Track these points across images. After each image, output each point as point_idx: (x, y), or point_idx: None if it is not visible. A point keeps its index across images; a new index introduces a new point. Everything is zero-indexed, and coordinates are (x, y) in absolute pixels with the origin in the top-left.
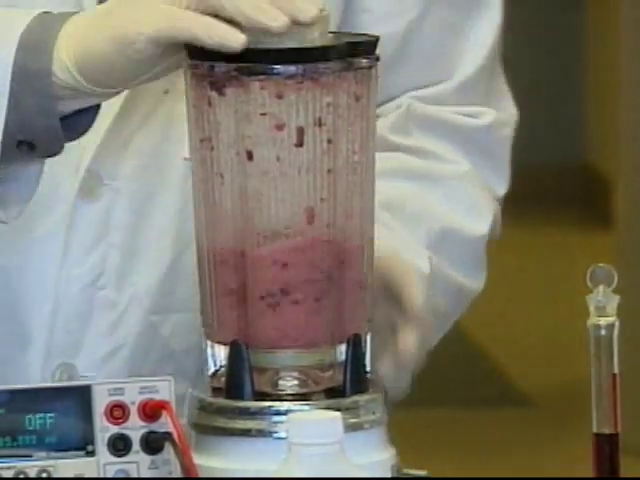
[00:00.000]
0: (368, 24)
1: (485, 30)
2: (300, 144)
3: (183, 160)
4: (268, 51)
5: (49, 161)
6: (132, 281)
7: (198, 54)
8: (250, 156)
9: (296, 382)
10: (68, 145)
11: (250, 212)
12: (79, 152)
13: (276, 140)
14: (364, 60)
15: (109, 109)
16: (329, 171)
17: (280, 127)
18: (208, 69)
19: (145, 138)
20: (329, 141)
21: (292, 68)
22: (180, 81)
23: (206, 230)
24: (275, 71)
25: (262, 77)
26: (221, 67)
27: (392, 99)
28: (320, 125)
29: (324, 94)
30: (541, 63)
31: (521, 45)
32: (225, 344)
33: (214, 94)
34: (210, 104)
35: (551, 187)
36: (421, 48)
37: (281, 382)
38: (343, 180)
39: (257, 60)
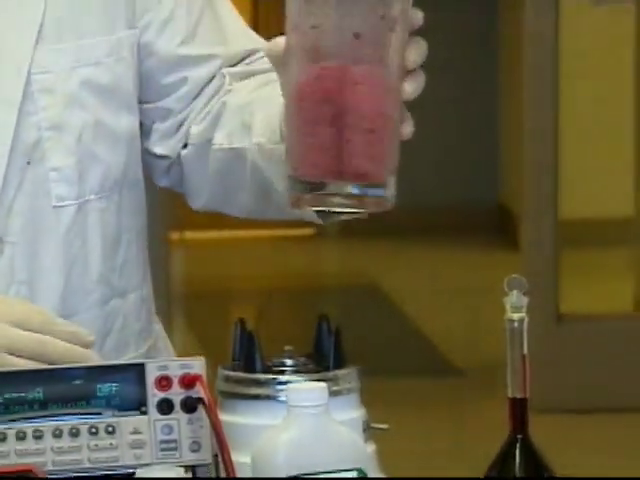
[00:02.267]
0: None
1: None
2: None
3: (53, 208)
4: None
5: None
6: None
7: None
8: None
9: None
10: None
11: None
12: None
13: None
14: None
15: None
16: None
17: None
18: None
19: (21, 201)
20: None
21: None
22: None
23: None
24: None
25: None
26: None
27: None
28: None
29: None
30: (459, 118)
31: (441, 90)
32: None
33: None
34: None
35: (476, 221)
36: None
37: None
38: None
39: None
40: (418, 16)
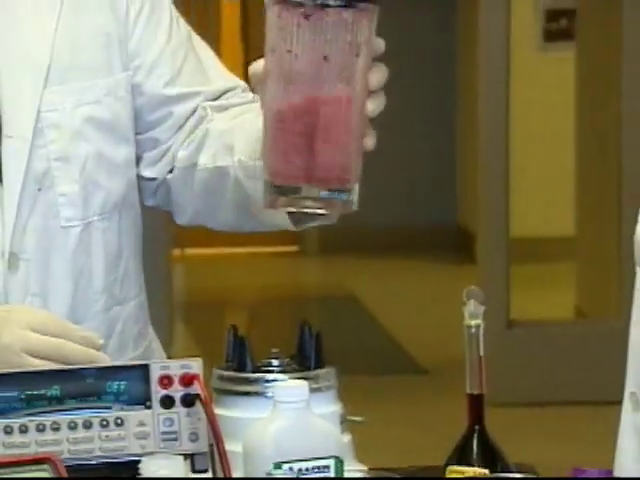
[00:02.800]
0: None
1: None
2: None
3: (61, 228)
4: None
5: None
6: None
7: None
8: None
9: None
10: None
11: None
12: (0, 244)
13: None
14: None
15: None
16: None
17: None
18: (297, 5)
19: (34, 223)
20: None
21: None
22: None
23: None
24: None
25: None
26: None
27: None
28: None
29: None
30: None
31: (402, 119)
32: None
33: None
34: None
35: (438, 239)
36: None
37: None
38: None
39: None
40: (380, 44)
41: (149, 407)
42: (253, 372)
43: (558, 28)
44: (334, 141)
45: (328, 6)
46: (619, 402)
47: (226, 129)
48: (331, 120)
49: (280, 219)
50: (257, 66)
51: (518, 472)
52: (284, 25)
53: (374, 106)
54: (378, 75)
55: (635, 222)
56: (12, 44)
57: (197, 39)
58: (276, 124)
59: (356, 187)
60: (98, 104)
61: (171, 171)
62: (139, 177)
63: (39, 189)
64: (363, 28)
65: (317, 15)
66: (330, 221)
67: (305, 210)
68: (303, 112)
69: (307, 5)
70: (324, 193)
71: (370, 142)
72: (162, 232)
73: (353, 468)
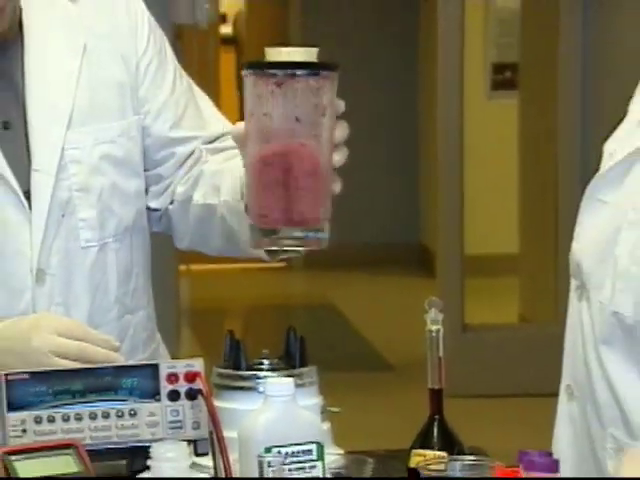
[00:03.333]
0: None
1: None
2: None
3: (81, 249)
4: (309, 64)
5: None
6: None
7: (259, 67)
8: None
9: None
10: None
11: None
12: (29, 261)
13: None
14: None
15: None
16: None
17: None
18: (270, 75)
19: (58, 244)
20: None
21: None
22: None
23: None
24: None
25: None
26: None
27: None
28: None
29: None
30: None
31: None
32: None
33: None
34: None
35: (404, 256)
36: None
37: None
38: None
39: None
40: (341, 104)
41: (158, 400)
42: (247, 370)
43: (503, 79)
44: (307, 189)
45: (297, 75)
46: (556, 394)
47: (216, 171)
48: (303, 171)
49: (258, 252)
50: (238, 129)
51: (471, 454)
52: (260, 92)
53: (339, 157)
54: (341, 131)
55: (570, 241)
56: (40, 92)
57: (196, 89)
58: (257, 176)
59: (327, 225)
60: (113, 143)
61: (171, 203)
62: (148, 208)
63: (62, 215)
64: (327, 92)
65: (288, 83)
66: (299, 254)
67: (285, 248)
68: (279, 165)
69: (279, 75)
70: (300, 233)
71: (337, 187)
72: (170, 251)
73: (332, 452)
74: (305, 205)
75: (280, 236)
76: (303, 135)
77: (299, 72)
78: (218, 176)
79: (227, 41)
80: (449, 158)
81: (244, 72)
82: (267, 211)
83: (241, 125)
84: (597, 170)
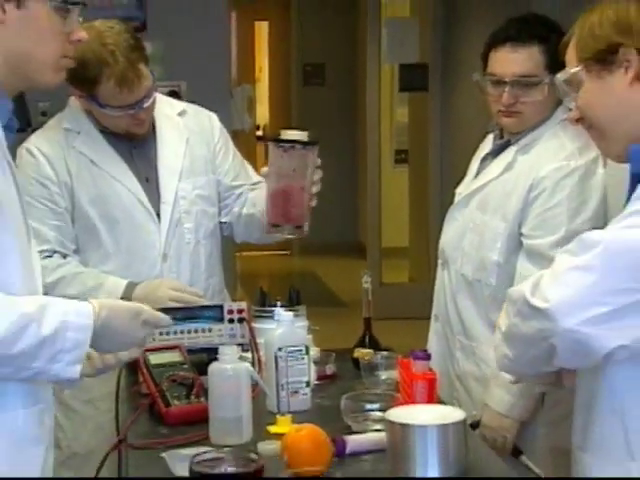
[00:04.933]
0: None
1: None
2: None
3: (185, 244)
4: (301, 141)
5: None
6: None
7: (275, 141)
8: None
9: None
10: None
11: None
12: (159, 250)
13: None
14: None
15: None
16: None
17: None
18: (288, 148)
19: (173, 242)
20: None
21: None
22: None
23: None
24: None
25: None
26: (283, 145)
27: None
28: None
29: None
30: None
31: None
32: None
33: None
34: (282, 157)
35: (347, 248)
36: None
37: None
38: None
39: (297, 143)
40: (319, 161)
41: (222, 322)
42: (268, 307)
43: (401, 158)
44: (296, 206)
45: (294, 147)
46: (430, 317)
47: (252, 197)
48: (296, 197)
49: (270, 238)
50: (264, 171)
51: (385, 350)
52: (275, 154)
53: (315, 188)
54: (317, 176)
55: (439, 238)
56: (165, 162)
57: (242, 158)
58: (271, 199)
59: (307, 224)
60: (202, 188)
61: (232, 217)
62: (220, 222)
63: (176, 226)
64: (311, 156)
65: (289, 151)
66: (292, 238)
67: (283, 235)
68: (283, 194)
69: (285, 146)
70: (291, 228)
71: (313, 203)
72: (231, 245)
73: (313, 349)
74: (295, 214)
75: (283, 229)
76: (296, 179)
77: (296, 146)
78: (253, 201)
79: (259, 138)
80: (373, 186)
81: (269, 143)
82: (275, 217)
83: (265, 169)
84: (452, 202)
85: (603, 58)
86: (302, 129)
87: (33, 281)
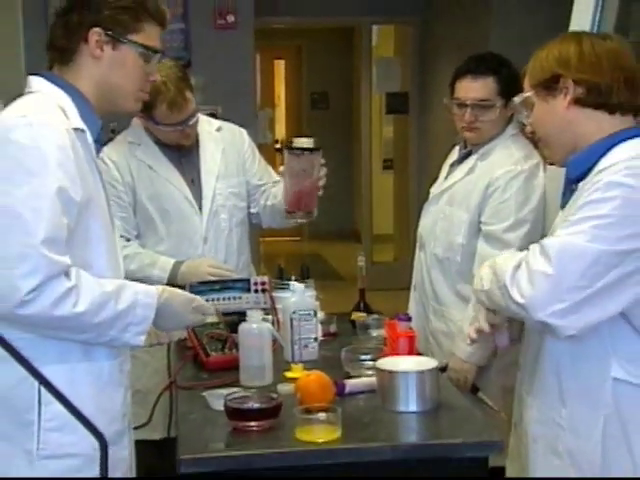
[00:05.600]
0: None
1: None
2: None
3: (221, 230)
4: (309, 148)
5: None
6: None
7: (289, 148)
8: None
9: None
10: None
11: None
12: (200, 235)
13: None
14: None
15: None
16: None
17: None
18: (299, 153)
19: (211, 228)
20: (314, 168)
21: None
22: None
23: (290, 184)
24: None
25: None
26: (295, 151)
27: None
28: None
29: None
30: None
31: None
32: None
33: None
34: (294, 160)
35: (345, 235)
36: None
37: None
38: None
39: (305, 149)
40: (323, 161)
41: (249, 292)
42: (285, 280)
43: (387, 165)
44: (308, 197)
45: (303, 153)
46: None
47: (274, 191)
48: (306, 190)
49: (289, 222)
50: (281, 170)
51: (376, 313)
52: (289, 158)
53: (321, 182)
54: (322, 172)
55: (417, 226)
56: (206, 167)
57: (265, 162)
58: (287, 192)
59: (315, 209)
60: (234, 187)
61: (259, 208)
62: (249, 212)
63: (214, 216)
64: (317, 158)
65: (300, 155)
66: (304, 222)
67: (298, 219)
68: (297, 187)
69: (296, 152)
70: (303, 214)
71: (320, 193)
72: (256, 231)
73: (320, 313)
74: (306, 203)
75: (296, 215)
76: (306, 177)
77: (305, 152)
78: (275, 193)
79: (277, 150)
80: (365, 194)
81: (284, 149)
82: (291, 205)
83: (282, 168)
84: (427, 199)
85: (548, 85)
86: (309, 136)
87: (117, 263)
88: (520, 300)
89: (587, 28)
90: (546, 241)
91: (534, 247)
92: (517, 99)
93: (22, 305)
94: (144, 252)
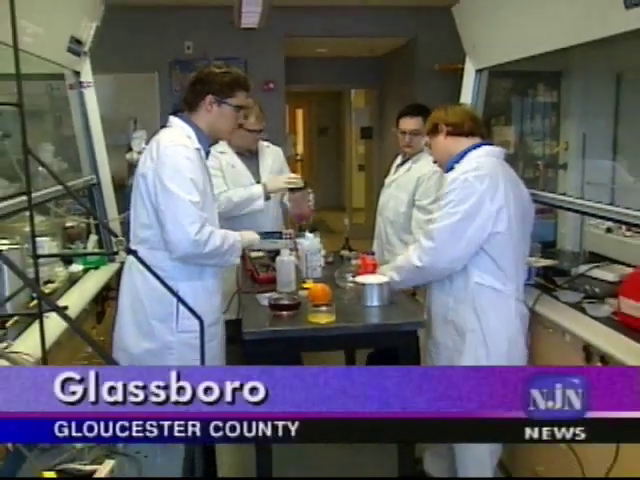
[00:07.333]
0: None
1: None
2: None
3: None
4: (300, 187)
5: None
6: None
7: (292, 189)
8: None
9: None
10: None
11: None
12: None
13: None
14: None
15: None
16: None
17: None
18: (296, 189)
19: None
20: (304, 198)
21: None
22: None
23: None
24: None
25: None
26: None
27: None
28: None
29: None
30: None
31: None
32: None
33: None
34: (293, 194)
35: (338, 209)
36: None
37: None
38: None
39: (297, 189)
40: (310, 190)
41: (282, 238)
42: (302, 232)
43: (361, 168)
44: (304, 212)
45: (298, 189)
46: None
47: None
48: (302, 210)
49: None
50: (285, 199)
51: (355, 251)
52: (289, 193)
53: (311, 204)
54: (312, 200)
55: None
56: (263, 168)
57: (288, 168)
58: (292, 213)
59: (311, 218)
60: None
61: (285, 199)
62: (281, 200)
63: (266, 200)
64: (307, 191)
65: (295, 191)
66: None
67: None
68: (296, 210)
69: (294, 189)
70: (304, 222)
71: (312, 207)
72: (285, 207)
73: (322, 251)
74: (303, 216)
75: (300, 222)
76: (301, 202)
77: (297, 189)
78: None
79: (297, 160)
80: (348, 184)
81: (287, 188)
82: (296, 219)
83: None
84: (383, 186)
85: (434, 130)
86: (304, 174)
87: (215, 220)
88: (424, 261)
89: (469, 97)
90: (432, 223)
91: (420, 236)
92: (425, 138)
93: (193, 244)
94: (240, 189)
